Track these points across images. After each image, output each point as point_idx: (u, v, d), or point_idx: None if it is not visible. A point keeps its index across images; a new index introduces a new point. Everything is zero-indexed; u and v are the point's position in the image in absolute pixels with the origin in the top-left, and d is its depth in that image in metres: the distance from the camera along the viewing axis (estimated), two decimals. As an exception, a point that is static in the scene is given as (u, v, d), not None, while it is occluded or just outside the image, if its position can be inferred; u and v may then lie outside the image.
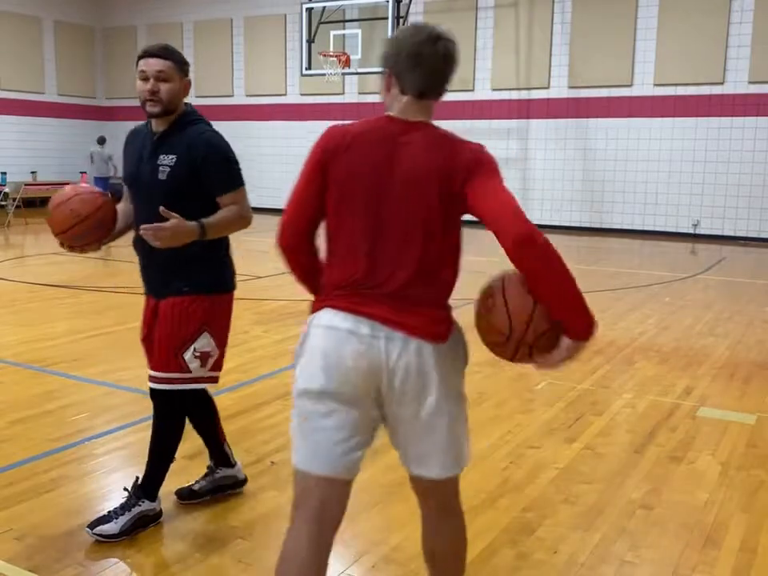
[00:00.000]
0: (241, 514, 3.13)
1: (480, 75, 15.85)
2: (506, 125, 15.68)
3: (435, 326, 1.97)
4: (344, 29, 15.55)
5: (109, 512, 2.93)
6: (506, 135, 15.63)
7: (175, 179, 2.79)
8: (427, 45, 1.98)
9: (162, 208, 2.66)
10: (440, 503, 2.14)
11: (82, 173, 19.94)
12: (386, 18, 13.85)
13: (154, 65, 2.79)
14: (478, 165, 1.96)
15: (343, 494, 2.03)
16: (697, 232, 14.28)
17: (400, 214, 1.97)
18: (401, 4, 13.93)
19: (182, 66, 2.86)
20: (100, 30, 20.33)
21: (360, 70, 15.17)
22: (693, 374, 5.27)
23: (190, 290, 2.85)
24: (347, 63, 14.66)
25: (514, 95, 15.60)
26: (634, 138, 14.63)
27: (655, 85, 14.31)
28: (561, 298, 1.91)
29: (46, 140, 19.42)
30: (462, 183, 1.94)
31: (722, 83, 13.80)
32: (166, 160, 2.80)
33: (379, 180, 1.97)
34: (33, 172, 18.68)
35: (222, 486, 3.27)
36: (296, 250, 2.10)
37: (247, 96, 18.45)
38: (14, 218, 14.83)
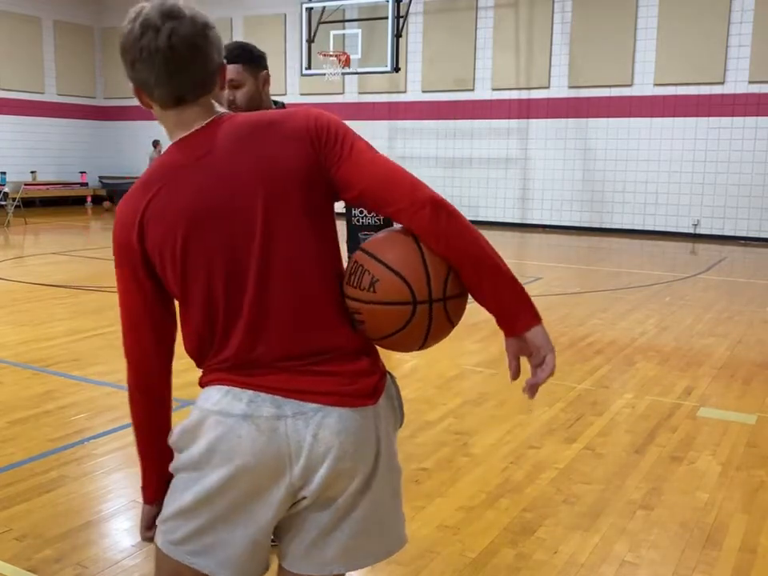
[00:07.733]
0: (241, 514, 3.13)
1: (480, 75, 15.85)
2: (506, 125, 15.68)
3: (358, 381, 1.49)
4: (344, 29, 15.55)
5: None
6: (506, 135, 15.63)
7: None
8: (149, 37, 1.38)
9: None
10: None
11: (81, 173, 19.97)
12: (386, 18, 13.85)
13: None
14: (330, 135, 1.47)
15: None
16: (697, 232, 14.28)
17: (250, 251, 1.46)
18: (401, 4, 13.92)
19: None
20: (99, 29, 20.32)
21: (360, 70, 15.18)
22: (693, 374, 5.27)
23: None
24: (347, 63, 14.66)
25: (514, 95, 15.60)
26: (634, 138, 14.63)
27: (655, 85, 14.31)
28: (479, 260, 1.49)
29: (45, 140, 19.42)
30: (321, 166, 1.46)
31: (722, 83, 13.80)
32: None
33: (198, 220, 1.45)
34: (32, 172, 18.68)
35: None
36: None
37: (247, 96, 18.43)
38: (14, 217, 14.82)
